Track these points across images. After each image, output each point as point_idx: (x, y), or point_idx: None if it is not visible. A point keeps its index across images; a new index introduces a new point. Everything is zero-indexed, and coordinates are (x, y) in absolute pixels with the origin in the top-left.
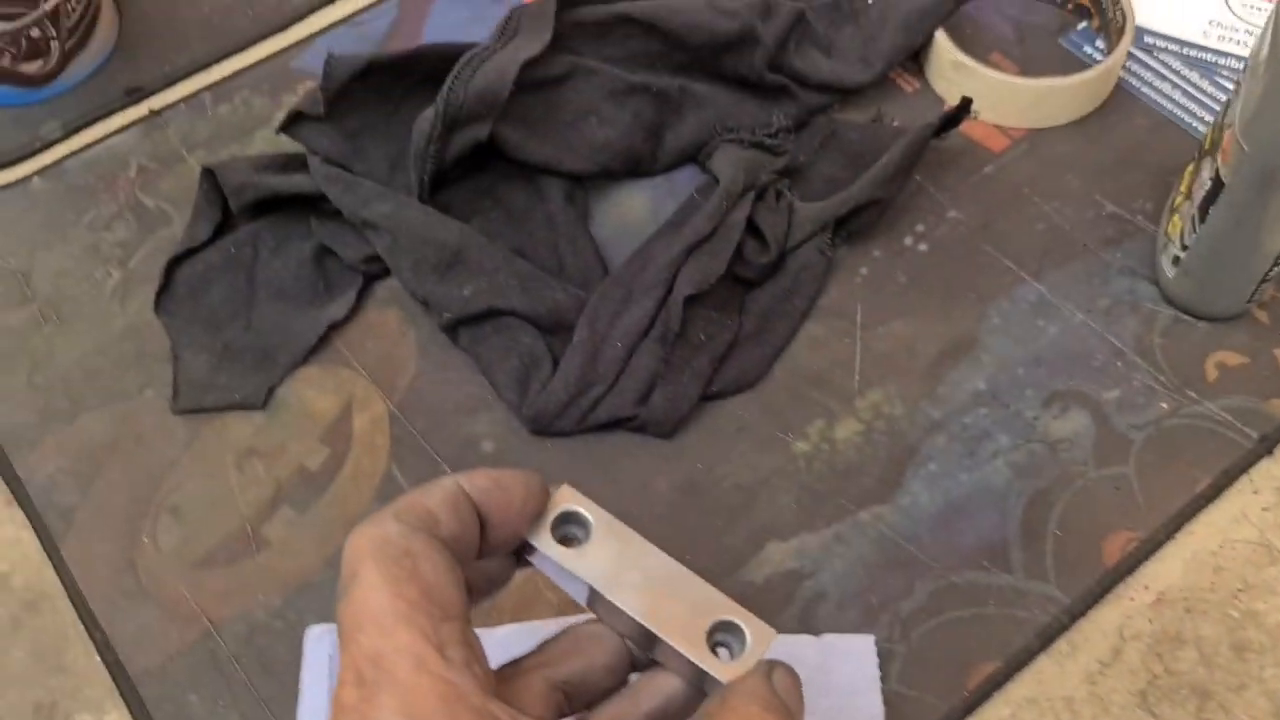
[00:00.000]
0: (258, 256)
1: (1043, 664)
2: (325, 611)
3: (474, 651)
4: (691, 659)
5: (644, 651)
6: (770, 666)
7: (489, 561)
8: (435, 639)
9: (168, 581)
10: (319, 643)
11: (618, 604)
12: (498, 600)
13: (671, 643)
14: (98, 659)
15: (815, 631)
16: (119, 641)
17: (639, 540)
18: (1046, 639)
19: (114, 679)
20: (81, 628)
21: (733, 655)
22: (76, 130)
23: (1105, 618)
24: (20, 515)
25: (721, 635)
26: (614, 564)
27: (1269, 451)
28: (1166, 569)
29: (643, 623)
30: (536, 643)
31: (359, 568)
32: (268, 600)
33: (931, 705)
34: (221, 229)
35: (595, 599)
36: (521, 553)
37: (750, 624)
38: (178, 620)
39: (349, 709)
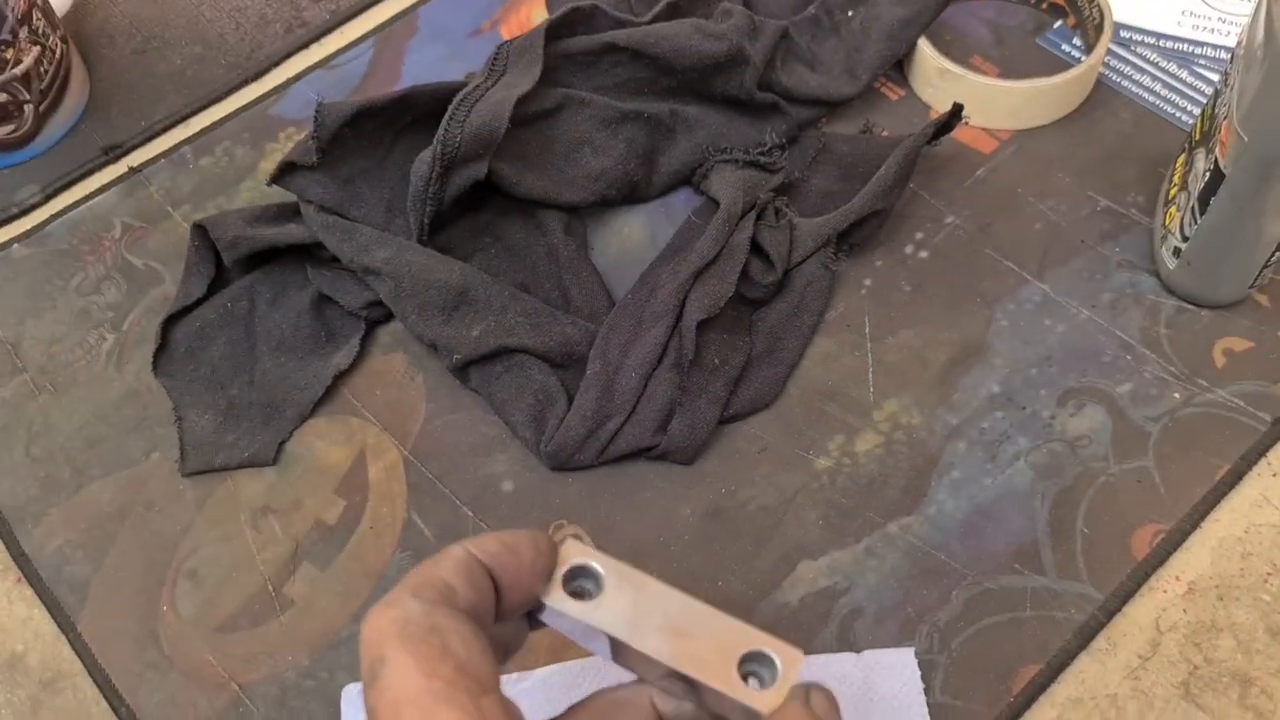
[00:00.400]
0: (255, 310)
1: (1084, 663)
2: (355, 667)
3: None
4: (728, 694)
5: (681, 694)
6: (806, 691)
7: (503, 626)
8: (478, 715)
9: (191, 649)
10: (356, 700)
11: (643, 650)
12: (532, 642)
13: (704, 681)
14: None
15: (855, 648)
16: (146, 715)
17: (654, 583)
18: (1085, 637)
19: None
20: (105, 704)
21: (763, 684)
22: (56, 192)
23: (1140, 612)
24: (30, 593)
25: (751, 665)
26: (632, 611)
27: None
28: (1195, 558)
29: (672, 665)
30: (573, 681)
31: (385, 651)
32: (296, 660)
33: (978, 713)
34: (215, 285)
35: (619, 649)
36: (534, 614)
37: (778, 649)
38: (206, 688)
39: None
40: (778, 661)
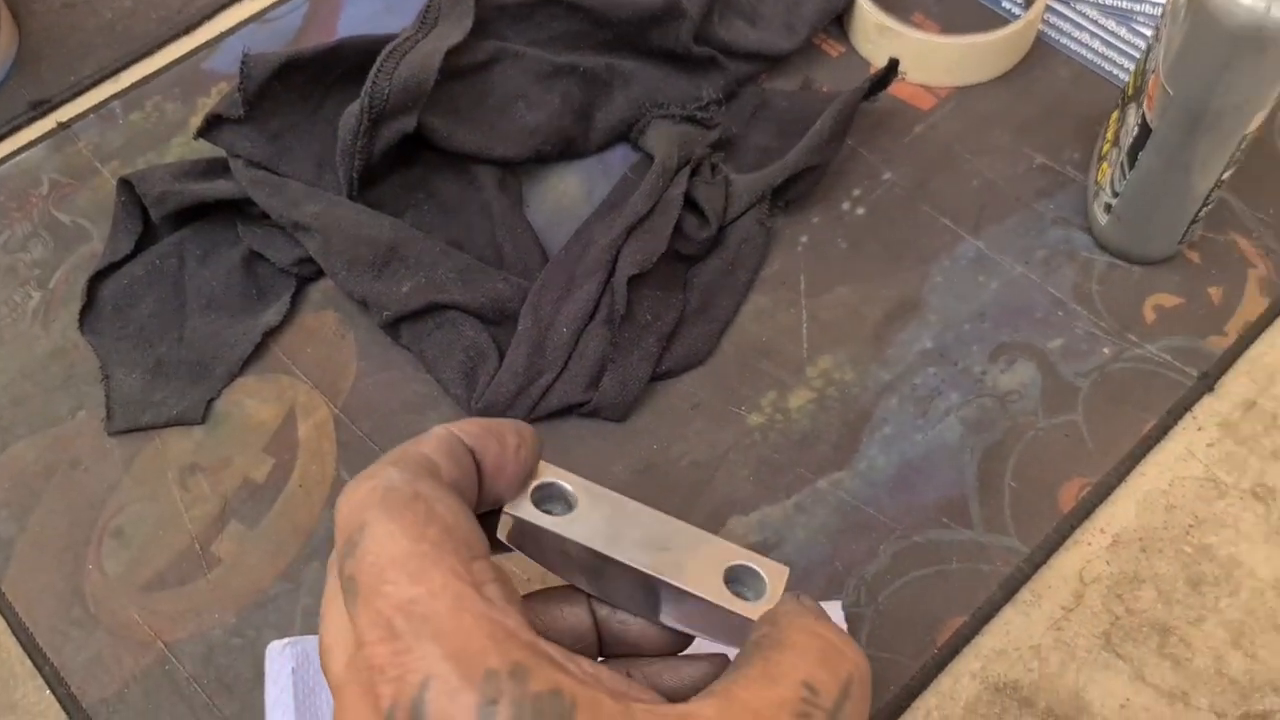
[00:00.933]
0: (184, 267)
1: (1008, 615)
2: (283, 625)
3: (511, 589)
4: (719, 603)
5: (649, 614)
6: (798, 595)
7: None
8: (470, 577)
9: (118, 607)
10: (280, 657)
11: (625, 561)
12: None
13: (694, 591)
14: (49, 693)
15: None
16: (70, 673)
17: (628, 501)
18: (1010, 590)
19: (68, 713)
20: (29, 663)
21: (749, 600)
22: None
23: (1065, 564)
24: None
25: (736, 584)
26: (608, 526)
27: (1210, 388)
28: (1120, 511)
29: (656, 575)
30: None
31: (367, 518)
32: (223, 618)
33: (903, 665)
34: (143, 241)
35: (595, 569)
36: (502, 541)
37: (764, 565)
38: (131, 646)
39: (383, 668)
40: (764, 575)
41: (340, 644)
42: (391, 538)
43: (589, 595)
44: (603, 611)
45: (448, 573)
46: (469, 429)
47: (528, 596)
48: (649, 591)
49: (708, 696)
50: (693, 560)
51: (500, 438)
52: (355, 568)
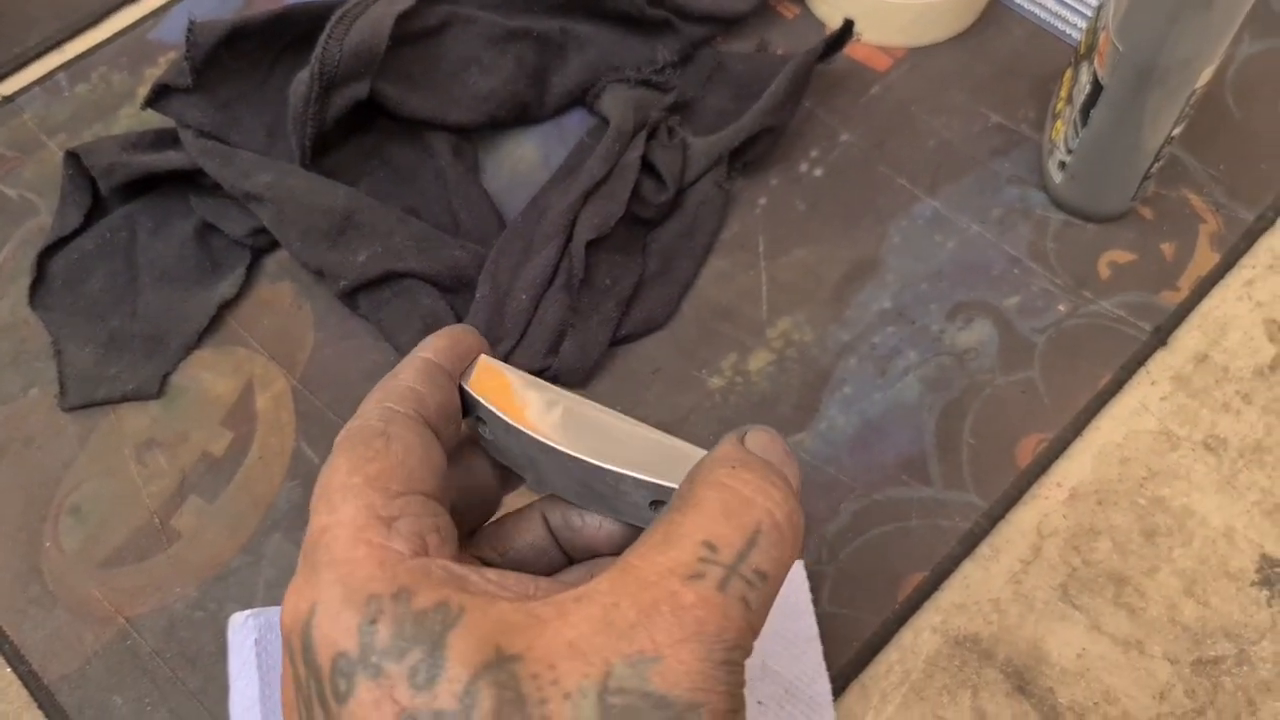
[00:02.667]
0: (136, 239)
1: (968, 569)
2: (244, 598)
3: (434, 522)
4: (649, 479)
5: (596, 507)
6: (744, 431)
7: (472, 475)
8: (385, 511)
9: (76, 584)
10: (242, 629)
11: (575, 454)
12: None
13: (628, 472)
14: (9, 670)
15: None
16: (30, 650)
17: (575, 398)
18: (969, 545)
19: (29, 690)
20: None
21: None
22: None
23: (1023, 518)
24: None
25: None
26: (560, 420)
27: (1163, 342)
28: (1077, 465)
29: (593, 462)
30: None
31: (333, 453)
32: (184, 592)
33: (865, 621)
34: (93, 214)
35: (538, 465)
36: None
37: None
38: (91, 622)
39: (296, 590)
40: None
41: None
42: (335, 471)
43: (543, 516)
44: (555, 521)
45: (360, 506)
46: (438, 345)
47: (491, 524)
48: (589, 483)
49: (606, 570)
50: (630, 449)
51: (462, 343)
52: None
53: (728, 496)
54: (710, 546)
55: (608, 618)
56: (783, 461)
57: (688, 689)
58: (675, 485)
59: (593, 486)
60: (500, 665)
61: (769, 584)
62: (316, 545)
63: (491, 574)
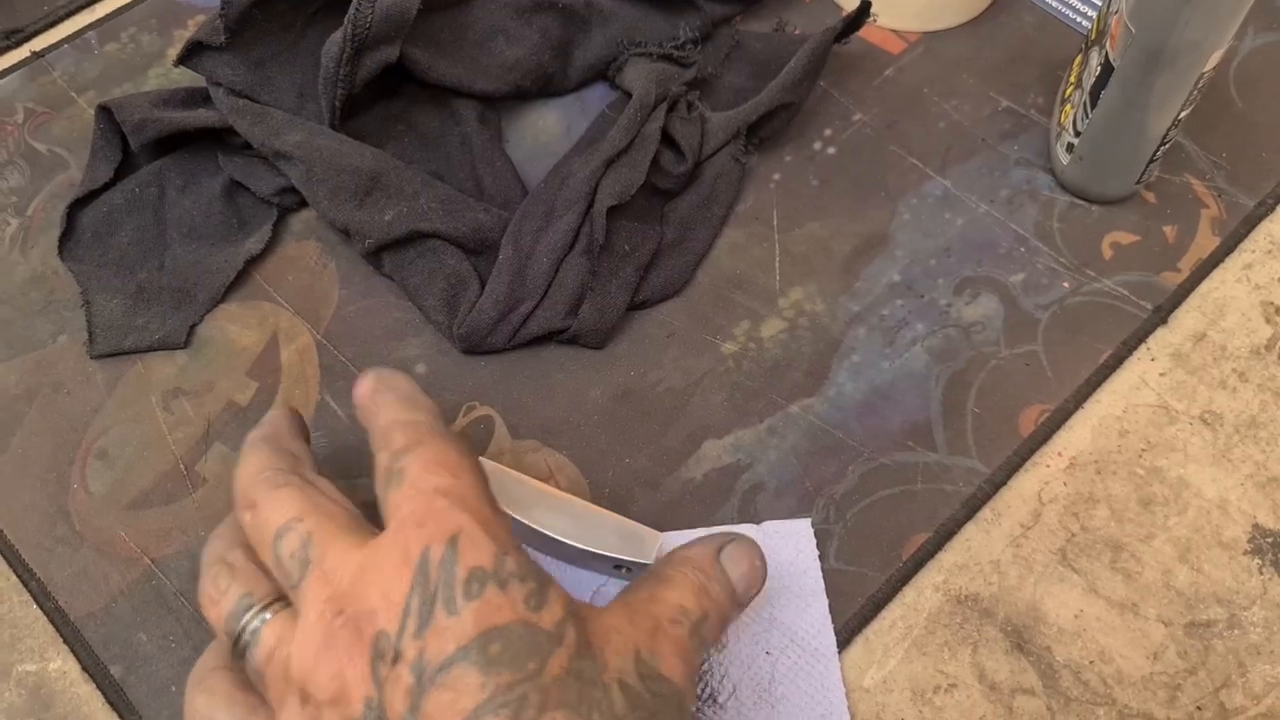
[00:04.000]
0: (164, 195)
1: (970, 531)
2: None
3: (304, 465)
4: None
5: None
6: (725, 543)
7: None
8: (487, 491)
9: (103, 525)
10: None
11: (547, 531)
12: None
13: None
14: (35, 608)
15: (755, 520)
16: (57, 588)
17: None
18: (972, 508)
19: (55, 626)
20: (15, 579)
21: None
22: None
23: (1024, 485)
24: None
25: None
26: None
27: (1163, 321)
28: (1077, 436)
29: (578, 545)
30: None
31: (422, 438)
32: (209, 535)
33: (870, 578)
34: (122, 169)
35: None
36: None
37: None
38: (117, 562)
39: (423, 521)
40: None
41: (345, 545)
42: (443, 449)
43: None
44: None
45: (475, 484)
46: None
47: None
48: (568, 554)
49: (613, 603)
50: (600, 530)
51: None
52: (406, 463)
53: (695, 585)
54: (683, 610)
55: (630, 623)
56: (739, 574)
57: (679, 679)
58: (640, 559)
59: (571, 556)
60: (578, 618)
61: (712, 641)
62: (447, 495)
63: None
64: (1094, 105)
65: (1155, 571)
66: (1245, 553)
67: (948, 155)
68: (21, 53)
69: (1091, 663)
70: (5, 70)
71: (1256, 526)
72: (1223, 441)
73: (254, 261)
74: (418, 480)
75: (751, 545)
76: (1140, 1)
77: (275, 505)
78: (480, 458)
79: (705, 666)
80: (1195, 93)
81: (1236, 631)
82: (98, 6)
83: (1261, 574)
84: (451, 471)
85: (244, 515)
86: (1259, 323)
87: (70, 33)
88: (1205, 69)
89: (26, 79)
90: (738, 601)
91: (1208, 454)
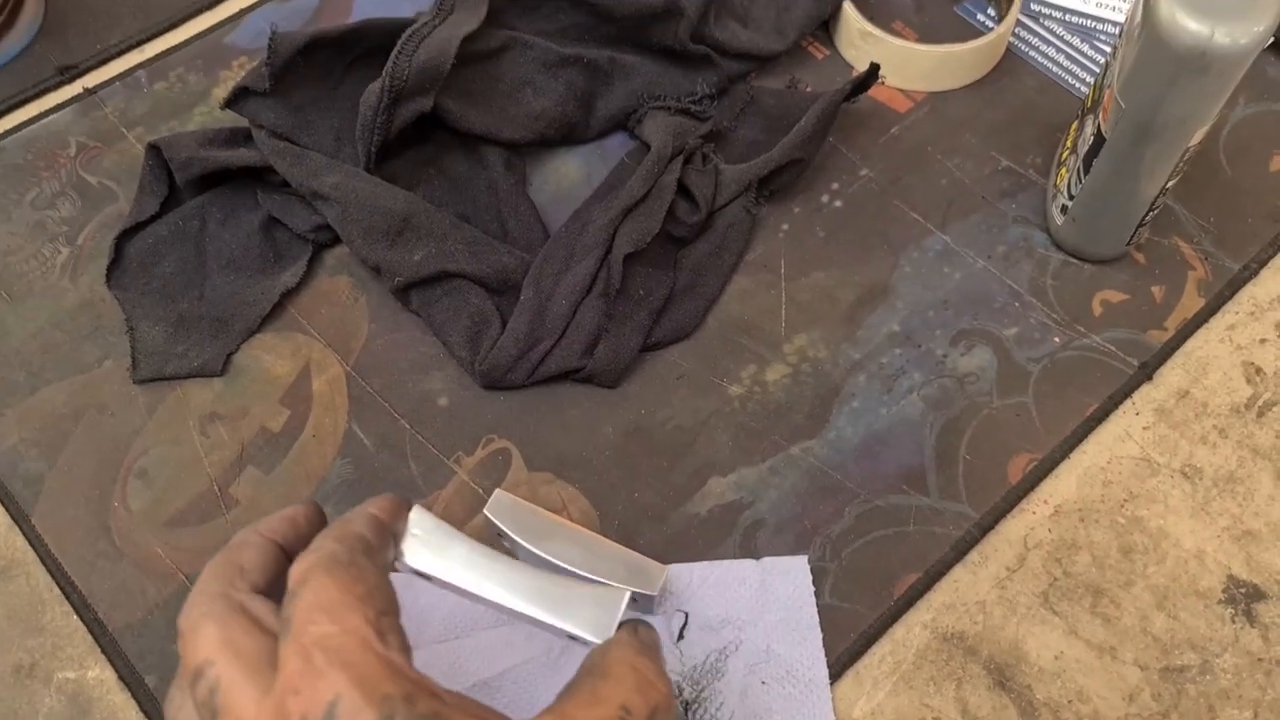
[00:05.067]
0: (206, 229)
1: (958, 573)
2: None
3: (405, 641)
4: (569, 630)
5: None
6: (635, 626)
7: None
8: (378, 626)
9: (141, 541)
10: None
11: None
12: None
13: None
14: (76, 619)
15: (755, 555)
16: (97, 600)
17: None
18: (961, 551)
19: (94, 636)
20: (57, 590)
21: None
22: (10, 109)
23: (1011, 530)
24: None
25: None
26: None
27: (1148, 377)
28: (1063, 484)
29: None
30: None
31: (309, 577)
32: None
33: (862, 614)
34: (167, 203)
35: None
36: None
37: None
38: (154, 576)
39: (298, 687)
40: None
41: (248, 698)
42: (325, 589)
43: None
44: None
45: (360, 619)
46: (384, 505)
47: None
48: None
49: (545, 713)
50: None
51: (403, 510)
52: (293, 610)
53: (638, 677)
54: (627, 710)
55: None
56: (661, 653)
57: None
58: (646, 590)
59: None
60: None
61: None
62: (324, 646)
63: (453, 694)
64: (1087, 171)
65: (1133, 617)
66: (1219, 602)
67: (949, 211)
68: (75, 88)
69: (1070, 702)
70: (60, 105)
71: (1231, 577)
72: (1202, 495)
73: (289, 294)
74: (299, 632)
75: (655, 630)
76: (1129, 79)
77: (195, 641)
78: (497, 489)
79: (705, 694)
80: (1182, 164)
81: (1209, 677)
82: (148, 46)
83: (1234, 623)
84: (332, 615)
85: (179, 640)
86: (1240, 382)
87: (121, 70)
88: (1191, 143)
89: (79, 114)
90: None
91: (1187, 506)
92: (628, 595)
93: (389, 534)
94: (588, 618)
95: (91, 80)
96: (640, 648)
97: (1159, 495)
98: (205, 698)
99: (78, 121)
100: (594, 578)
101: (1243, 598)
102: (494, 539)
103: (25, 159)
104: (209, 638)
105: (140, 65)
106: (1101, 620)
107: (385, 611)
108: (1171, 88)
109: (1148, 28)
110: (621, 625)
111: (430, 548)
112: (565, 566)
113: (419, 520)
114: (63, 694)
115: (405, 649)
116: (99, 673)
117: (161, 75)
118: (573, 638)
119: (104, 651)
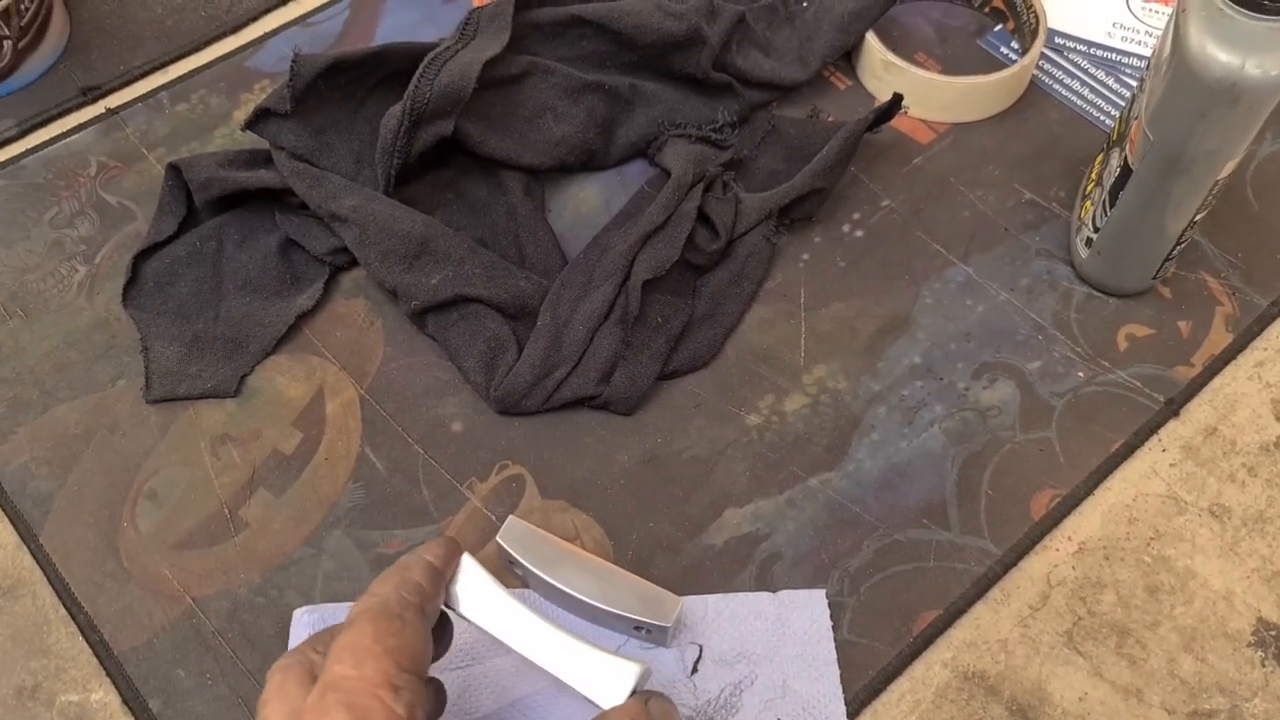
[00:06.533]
0: (223, 250)
1: (979, 611)
2: (305, 587)
3: (420, 699)
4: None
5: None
6: (648, 696)
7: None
8: (395, 680)
9: (149, 563)
10: (299, 623)
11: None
12: None
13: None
14: (81, 640)
15: (772, 588)
16: (102, 622)
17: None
18: (982, 588)
19: (99, 658)
20: (63, 611)
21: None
22: (33, 128)
23: (1034, 567)
24: None
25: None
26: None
27: (1175, 414)
28: (1087, 521)
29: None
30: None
31: (356, 619)
32: (249, 578)
33: (880, 651)
34: (185, 224)
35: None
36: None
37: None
38: (161, 599)
39: (309, 712)
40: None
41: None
42: (361, 634)
43: None
44: None
45: (379, 670)
46: (439, 552)
47: None
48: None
49: None
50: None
51: (454, 555)
52: (332, 647)
53: None
54: None
55: None
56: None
57: None
58: (659, 622)
59: (593, 615)
60: None
61: None
62: (338, 687)
63: None
64: (1113, 204)
65: (1160, 659)
66: (1249, 645)
67: (971, 243)
68: (97, 109)
69: None
70: (82, 125)
71: (1261, 620)
72: (1230, 534)
73: (304, 316)
74: (326, 669)
75: (670, 702)
76: (1158, 111)
77: (264, 690)
78: (510, 516)
79: None
80: (1211, 198)
81: None
82: (171, 68)
83: (1264, 666)
84: (355, 659)
85: None
86: (1269, 420)
87: (144, 92)
88: (1220, 176)
89: (101, 134)
90: None
91: (1215, 546)
92: (640, 670)
93: (443, 581)
94: (603, 684)
95: (114, 101)
96: (637, 716)
97: (1186, 534)
98: None
99: (99, 142)
100: (609, 607)
101: (1273, 640)
102: (506, 566)
103: (46, 178)
104: (270, 685)
105: (163, 87)
106: (1127, 662)
107: (408, 669)
108: (1201, 120)
109: (1177, 59)
110: (635, 694)
111: (474, 596)
112: (578, 596)
113: (468, 567)
114: (65, 717)
115: (415, 707)
116: (102, 696)
117: (183, 97)
118: (639, 628)
119: (108, 674)
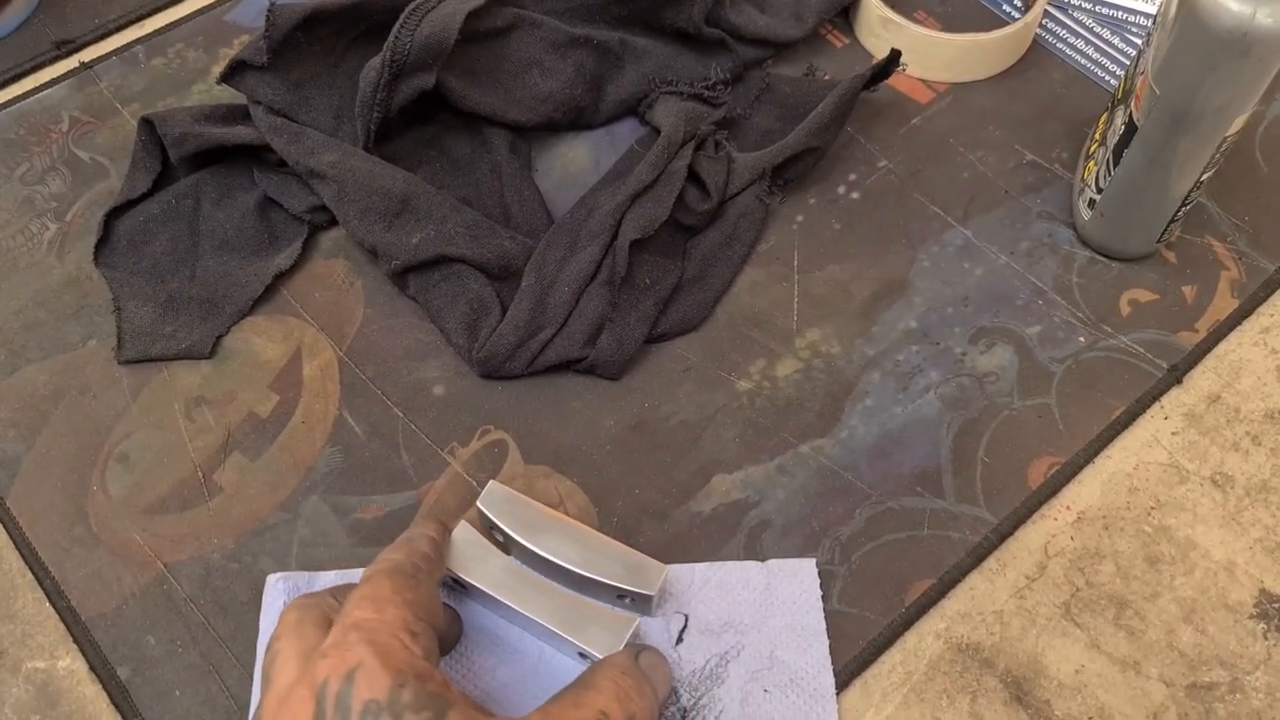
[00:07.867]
0: (199, 208)
1: (974, 580)
2: (279, 553)
3: (434, 650)
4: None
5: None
6: (639, 649)
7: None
8: (413, 627)
9: (119, 528)
10: (274, 589)
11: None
12: None
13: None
14: (48, 606)
15: (761, 557)
16: (70, 587)
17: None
18: (977, 557)
19: (66, 625)
20: (30, 576)
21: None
22: (5, 83)
23: (1031, 536)
24: None
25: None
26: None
27: (1178, 381)
28: (1086, 490)
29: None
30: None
31: (373, 575)
32: (222, 543)
33: (871, 621)
34: (160, 181)
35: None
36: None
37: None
38: (131, 565)
39: (326, 653)
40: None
41: (290, 667)
42: (380, 585)
43: None
44: None
45: (399, 616)
46: (435, 528)
47: None
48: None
49: (534, 713)
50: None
51: (445, 535)
52: (349, 599)
53: (619, 688)
54: (604, 714)
55: None
56: (661, 680)
57: None
58: (643, 589)
59: (576, 583)
60: None
61: None
62: (361, 627)
63: (461, 693)
64: (1117, 163)
65: (1159, 631)
66: (1251, 617)
67: (970, 205)
68: (71, 63)
69: (1091, 719)
70: (55, 79)
71: (1263, 591)
72: (1233, 504)
73: (282, 276)
74: (345, 615)
75: (660, 654)
76: (1165, 64)
77: (278, 624)
78: (492, 481)
79: (703, 701)
80: (1218, 155)
81: (1239, 696)
82: (147, 21)
83: (1266, 639)
84: (376, 606)
85: None
86: (1274, 387)
87: (119, 46)
88: (1229, 133)
89: (74, 88)
90: (660, 705)
91: (1217, 516)
92: (638, 622)
93: (443, 553)
94: (597, 638)
95: (88, 55)
96: (626, 668)
97: (1188, 503)
98: (266, 668)
99: (72, 96)
100: (592, 574)
101: (1275, 612)
102: (487, 532)
103: (17, 133)
104: (285, 622)
105: (139, 41)
106: (1125, 633)
107: (424, 619)
108: (1210, 72)
109: (1186, 8)
110: (627, 647)
111: (471, 559)
112: (560, 563)
113: (463, 534)
114: (31, 684)
115: (431, 653)
116: (70, 663)
117: (160, 51)
118: (582, 654)
119: (75, 641)
